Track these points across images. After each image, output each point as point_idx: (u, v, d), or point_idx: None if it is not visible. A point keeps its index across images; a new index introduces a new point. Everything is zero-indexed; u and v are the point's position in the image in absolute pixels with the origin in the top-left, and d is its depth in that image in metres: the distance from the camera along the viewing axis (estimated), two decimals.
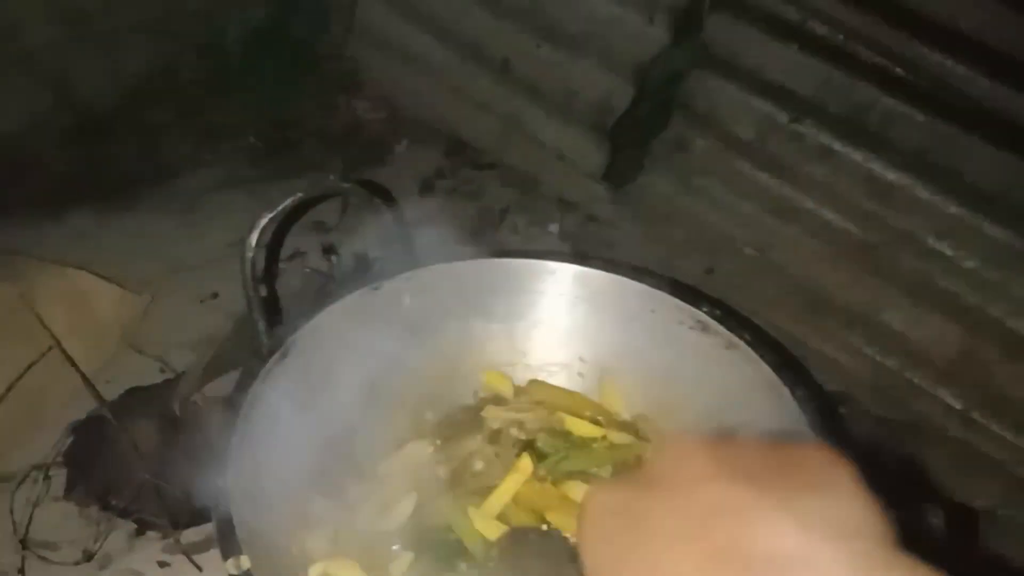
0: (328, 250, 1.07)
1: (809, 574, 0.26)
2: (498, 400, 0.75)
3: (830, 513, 0.28)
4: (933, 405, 1.00)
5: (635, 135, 1.14)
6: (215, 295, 1.01)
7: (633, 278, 0.72)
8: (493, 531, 0.65)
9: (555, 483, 0.68)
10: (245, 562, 0.54)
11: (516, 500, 0.66)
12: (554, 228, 1.15)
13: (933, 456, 0.95)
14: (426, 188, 1.19)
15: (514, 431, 0.71)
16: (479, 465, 0.69)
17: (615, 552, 0.31)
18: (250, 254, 0.63)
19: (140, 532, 0.79)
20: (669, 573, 0.28)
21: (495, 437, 0.70)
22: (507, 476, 0.67)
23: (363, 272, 1.02)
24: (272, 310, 0.68)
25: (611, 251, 1.12)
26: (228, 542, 0.55)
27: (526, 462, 0.67)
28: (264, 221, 0.62)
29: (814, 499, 0.28)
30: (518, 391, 0.76)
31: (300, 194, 0.64)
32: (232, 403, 0.62)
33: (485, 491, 0.67)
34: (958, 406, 0.99)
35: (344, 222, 1.10)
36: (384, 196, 0.72)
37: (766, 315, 1.03)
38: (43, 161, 1.11)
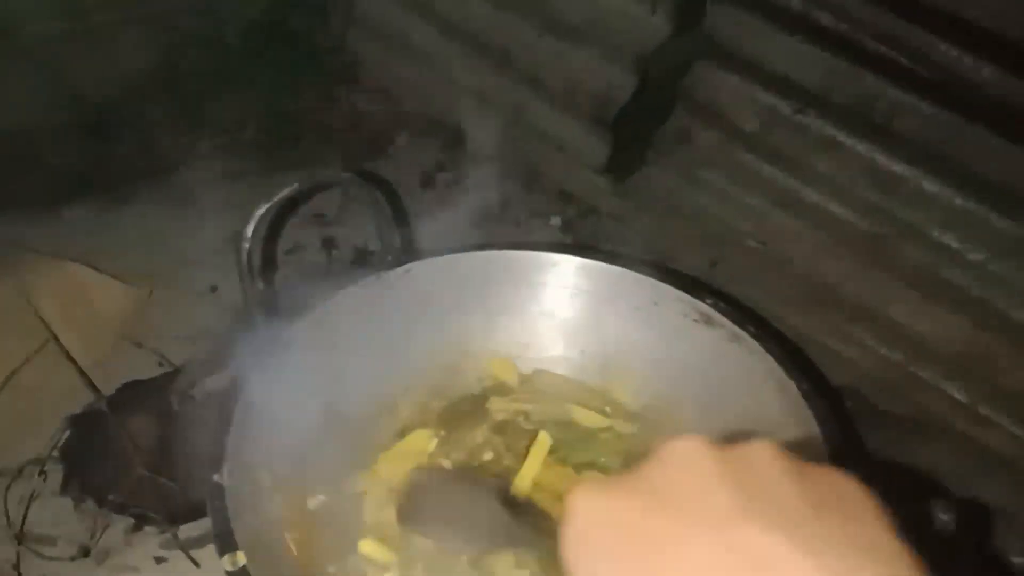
0: (327, 243, 1.06)
1: None
2: (503, 390, 0.74)
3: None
4: (939, 399, 0.99)
5: (637, 127, 1.13)
6: (214, 288, 1.00)
7: (636, 270, 0.72)
8: None
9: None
10: (241, 559, 0.54)
11: (537, 484, 0.65)
12: (556, 221, 1.14)
13: (939, 451, 0.94)
14: (426, 181, 1.18)
15: (520, 421, 0.70)
16: (488, 455, 0.68)
17: (606, 567, 0.27)
18: (247, 246, 0.62)
19: (137, 527, 0.79)
20: None
21: (501, 428, 0.70)
22: (530, 453, 0.66)
23: (362, 265, 1.02)
24: (270, 303, 0.67)
25: (613, 244, 1.11)
26: (224, 539, 0.55)
27: (545, 436, 0.66)
28: (261, 212, 0.61)
29: (857, 560, 0.25)
30: (523, 380, 0.75)
31: (296, 184, 0.63)
32: (229, 398, 0.61)
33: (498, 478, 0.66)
34: (965, 400, 0.98)
35: (343, 215, 1.09)
36: (383, 187, 0.71)
37: (770, 308, 1.02)
38: (41, 155, 1.11)
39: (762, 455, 0.28)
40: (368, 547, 0.65)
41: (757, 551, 0.25)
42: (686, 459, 0.28)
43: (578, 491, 0.29)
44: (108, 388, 0.86)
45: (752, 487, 0.27)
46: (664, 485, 0.28)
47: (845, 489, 0.28)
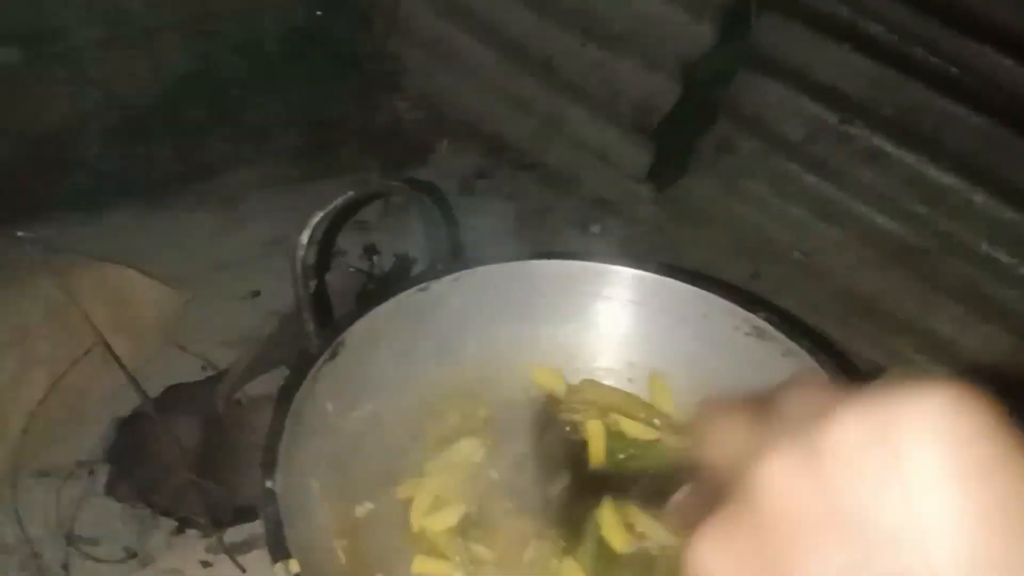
0: (369, 249, 1.06)
1: None
2: (550, 399, 0.74)
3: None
4: None
5: (680, 136, 1.13)
6: (256, 293, 1.00)
7: (687, 282, 0.71)
8: None
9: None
10: (294, 566, 0.54)
11: (606, 522, 0.65)
12: (596, 229, 1.13)
13: None
14: (466, 188, 1.18)
15: (568, 432, 0.70)
16: (535, 466, 0.67)
17: None
18: (301, 253, 0.62)
19: (182, 531, 0.79)
20: None
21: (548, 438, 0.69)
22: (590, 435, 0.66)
23: (404, 272, 1.02)
24: (321, 310, 0.67)
25: (654, 254, 1.10)
26: (277, 545, 0.55)
27: (598, 424, 0.66)
28: (316, 220, 0.61)
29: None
30: (570, 390, 0.75)
31: (351, 193, 0.63)
32: (282, 403, 0.61)
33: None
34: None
35: (384, 222, 1.09)
36: (434, 195, 0.71)
37: (813, 320, 1.00)
38: (84, 159, 1.12)
39: (849, 429, 0.26)
40: (422, 565, 0.65)
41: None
42: (780, 485, 0.26)
43: (696, 542, 0.28)
44: (152, 391, 0.87)
45: (845, 499, 0.25)
46: (769, 516, 0.26)
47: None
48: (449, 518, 0.66)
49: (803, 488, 0.25)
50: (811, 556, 0.25)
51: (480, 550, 0.64)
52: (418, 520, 0.66)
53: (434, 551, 0.64)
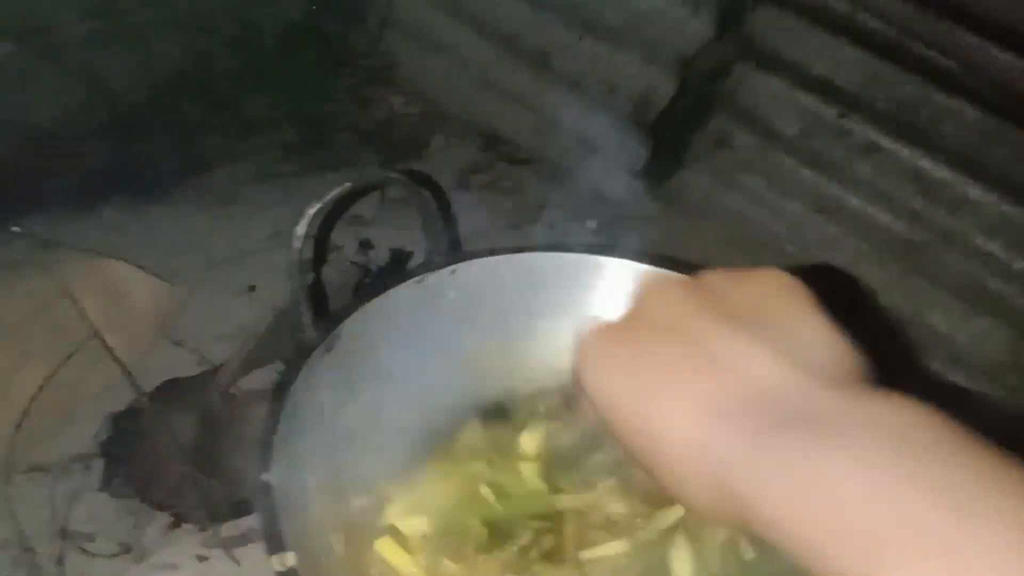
0: (365, 243, 1.05)
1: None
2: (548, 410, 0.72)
3: (800, 348, 0.33)
4: (980, 411, 0.97)
5: (676, 130, 1.12)
6: (252, 288, 1.00)
7: (686, 273, 0.71)
8: None
9: None
10: (291, 559, 0.53)
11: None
12: (592, 224, 1.13)
13: None
14: (462, 182, 1.18)
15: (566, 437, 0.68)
16: (537, 484, 0.66)
17: (615, 375, 0.37)
18: (298, 245, 0.62)
19: (177, 525, 0.78)
20: (659, 375, 0.35)
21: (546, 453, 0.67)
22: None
23: (399, 266, 1.02)
24: (318, 303, 0.67)
25: (651, 248, 1.10)
26: (273, 538, 0.54)
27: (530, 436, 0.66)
28: (312, 212, 0.61)
29: (785, 334, 0.34)
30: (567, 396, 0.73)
31: (348, 184, 0.62)
32: (277, 396, 0.60)
33: None
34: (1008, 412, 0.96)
35: (381, 216, 1.09)
36: (431, 188, 0.71)
37: None
38: (78, 154, 1.11)
39: (716, 278, 0.38)
40: (385, 548, 0.63)
41: (707, 331, 0.35)
42: (661, 294, 0.38)
43: (589, 339, 0.39)
44: (147, 386, 0.86)
45: (703, 298, 0.37)
46: (648, 317, 0.38)
47: (774, 285, 0.37)
48: (422, 523, 0.65)
49: (676, 305, 0.37)
50: (668, 347, 0.35)
51: (447, 565, 0.63)
52: (391, 518, 0.65)
53: (406, 547, 0.64)
